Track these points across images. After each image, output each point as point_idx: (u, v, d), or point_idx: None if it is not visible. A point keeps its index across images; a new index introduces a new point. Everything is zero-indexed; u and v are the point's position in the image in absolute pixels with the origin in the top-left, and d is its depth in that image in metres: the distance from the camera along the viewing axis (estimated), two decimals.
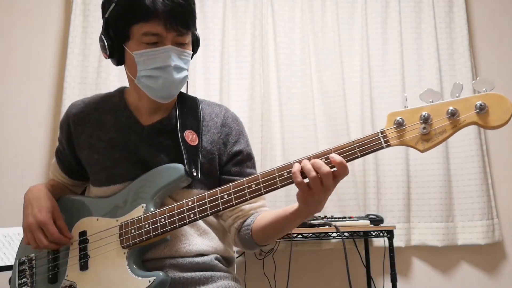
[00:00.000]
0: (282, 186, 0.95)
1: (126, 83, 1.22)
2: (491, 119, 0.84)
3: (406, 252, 2.67)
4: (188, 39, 1.10)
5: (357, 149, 0.91)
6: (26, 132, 2.64)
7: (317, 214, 2.42)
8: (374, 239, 2.57)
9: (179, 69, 1.08)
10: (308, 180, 0.91)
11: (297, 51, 2.81)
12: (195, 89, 2.68)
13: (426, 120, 0.87)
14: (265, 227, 1.08)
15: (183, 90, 1.21)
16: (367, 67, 2.76)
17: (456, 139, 2.70)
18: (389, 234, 2.28)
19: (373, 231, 2.31)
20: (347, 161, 0.91)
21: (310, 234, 2.23)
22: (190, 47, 1.12)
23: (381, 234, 2.31)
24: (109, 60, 1.14)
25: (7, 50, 2.71)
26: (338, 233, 2.16)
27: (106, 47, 1.09)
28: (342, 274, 2.37)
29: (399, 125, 0.89)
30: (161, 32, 1.04)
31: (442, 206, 2.62)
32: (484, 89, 0.85)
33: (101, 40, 1.10)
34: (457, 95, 0.87)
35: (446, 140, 0.88)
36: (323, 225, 2.21)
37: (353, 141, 0.91)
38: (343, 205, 2.61)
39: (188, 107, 1.19)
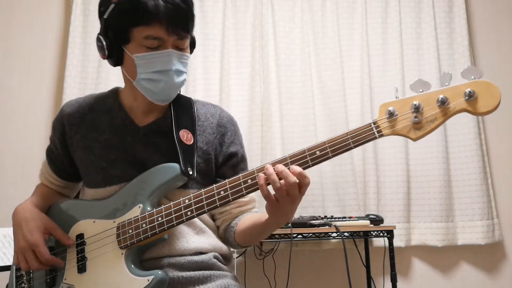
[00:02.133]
0: None
1: (116, 85, 1.22)
2: (480, 105, 0.87)
3: (406, 252, 2.67)
4: (187, 43, 1.10)
5: (350, 140, 0.92)
6: (26, 132, 2.65)
7: (317, 214, 2.43)
8: (374, 239, 2.57)
9: (179, 72, 1.08)
10: (274, 192, 0.93)
11: (297, 51, 2.81)
12: (195, 89, 2.68)
13: (417, 109, 0.90)
14: (244, 232, 1.12)
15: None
16: (367, 67, 2.76)
17: (456, 138, 2.70)
18: (389, 234, 2.28)
19: (373, 231, 2.30)
20: (341, 153, 0.93)
21: (310, 234, 2.23)
22: (189, 50, 1.13)
23: (381, 234, 2.31)
24: None
25: (7, 50, 2.71)
26: (338, 233, 2.16)
27: (105, 47, 1.07)
28: (342, 274, 2.37)
29: (391, 115, 0.92)
30: (162, 36, 1.03)
31: (442, 206, 2.62)
32: (472, 77, 0.88)
33: (99, 40, 1.09)
34: (446, 84, 0.89)
35: (437, 128, 0.90)
36: (323, 225, 2.21)
37: (346, 133, 0.93)
38: (343, 205, 2.61)
39: (182, 107, 1.19)
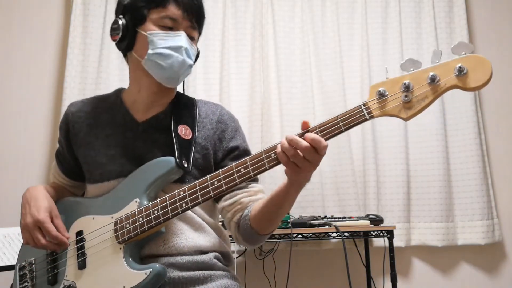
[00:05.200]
0: (270, 168, 0.96)
1: (126, 83, 1.23)
2: (470, 80, 0.85)
3: (406, 252, 2.67)
4: (196, 36, 1.18)
5: (341, 123, 0.91)
6: (26, 132, 2.65)
7: (317, 214, 2.43)
8: (374, 239, 2.57)
9: (189, 54, 1.13)
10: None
11: (297, 51, 2.81)
12: (195, 89, 2.68)
13: (407, 88, 0.88)
14: (261, 212, 1.07)
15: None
16: (367, 67, 2.76)
17: (456, 139, 2.71)
18: (389, 234, 2.28)
19: (373, 231, 2.31)
20: (332, 136, 0.92)
21: (310, 234, 2.23)
22: (196, 46, 1.19)
23: (381, 234, 2.31)
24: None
25: (7, 50, 2.71)
26: (338, 233, 2.16)
27: (121, 28, 1.12)
28: (342, 274, 2.37)
29: (381, 95, 0.90)
30: (178, 18, 1.11)
31: (442, 206, 2.62)
32: (463, 53, 0.86)
33: (115, 22, 1.14)
34: (436, 61, 0.88)
35: (428, 106, 0.88)
36: (323, 225, 2.21)
37: (337, 116, 0.92)
38: (343, 205, 2.61)
39: (184, 105, 1.21)
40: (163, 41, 1.10)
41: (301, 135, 0.92)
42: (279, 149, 0.92)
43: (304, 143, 0.89)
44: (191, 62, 1.14)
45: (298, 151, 0.90)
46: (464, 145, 2.68)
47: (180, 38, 1.11)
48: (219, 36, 2.79)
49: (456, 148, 2.70)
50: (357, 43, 2.82)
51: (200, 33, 1.20)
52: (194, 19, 1.14)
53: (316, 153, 0.90)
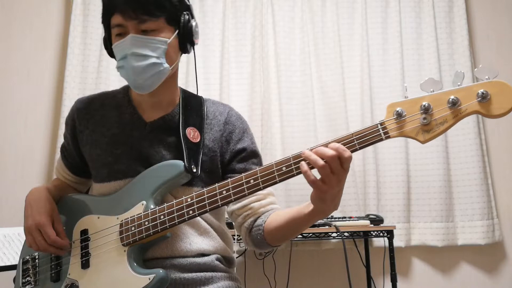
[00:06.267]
0: (280, 181, 0.94)
1: (125, 83, 1.23)
2: (493, 107, 0.80)
3: (406, 252, 2.67)
4: (157, 25, 1.05)
5: (356, 141, 0.89)
6: (26, 132, 2.65)
7: None
8: (374, 239, 2.58)
9: (140, 56, 1.04)
10: (319, 175, 0.89)
11: (297, 51, 2.81)
12: (195, 89, 2.67)
13: (426, 110, 0.84)
14: (278, 228, 1.06)
15: (193, 90, 1.22)
16: (367, 67, 2.76)
17: (456, 139, 2.71)
18: (389, 234, 2.28)
19: (373, 231, 2.31)
20: None
21: (310, 234, 2.23)
22: (164, 34, 1.07)
23: (381, 234, 2.31)
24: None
25: (7, 50, 2.71)
26: (338, 233, 2.16)
27: (103, 42, 1.15)
28: (342, 274, 2.37)
29: (399, 116, 0.87)
30: (122, 23, 1.05)
31: (442, 206, 2.62)
32: (486, 77, 0.82)
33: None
34: (458, 83, 0.84)
35: (447, 130, 0.85)
36: (323, 225, 2.21)
37: (352, 133, 0.89)
38: (343, 205, 2.61)
39: (192, 105, 1.20)
40: (117, 53, 1.08)
41: (325, 146, 0.89)
42: (304, 167, 0.88)
43: (330, 152, 0.86)
44: (148, 62, 1.04)
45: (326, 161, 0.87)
46: (464, 145, 2.68)
47: (126, 44, 1.04)
48: (219, 36, 2.79)
49: (456, 148, 2.70)
50: (357, 43, 2.82)
51: (166, 16, 1.06)
52: (139, 12, 1.03)
53: (339, 164, 0.87)
